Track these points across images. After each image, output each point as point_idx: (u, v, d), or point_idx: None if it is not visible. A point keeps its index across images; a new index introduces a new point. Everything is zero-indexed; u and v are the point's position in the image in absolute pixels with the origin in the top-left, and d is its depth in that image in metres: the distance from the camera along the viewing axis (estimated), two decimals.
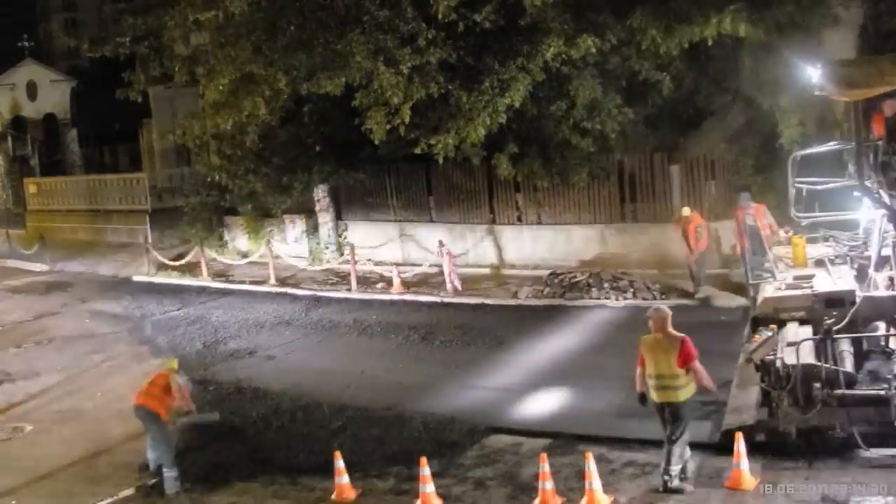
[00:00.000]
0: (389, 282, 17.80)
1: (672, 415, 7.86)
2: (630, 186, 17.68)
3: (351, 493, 8.45)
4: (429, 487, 7.96)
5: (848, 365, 8.40)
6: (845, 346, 8.67)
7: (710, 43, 15.48)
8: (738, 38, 15.89)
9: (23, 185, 37.85)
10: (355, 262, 18.49)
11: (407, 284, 17.64)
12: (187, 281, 21.42)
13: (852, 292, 9.18)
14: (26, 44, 48.48)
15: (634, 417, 9.71)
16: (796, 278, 10.25)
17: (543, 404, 10.55)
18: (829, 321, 8.77)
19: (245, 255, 21.50)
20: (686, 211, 15.24)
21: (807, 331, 8.93)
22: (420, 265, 18.33)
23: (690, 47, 15.80)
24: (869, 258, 10.15)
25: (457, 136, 16.66)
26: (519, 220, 19.11)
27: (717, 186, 16.97)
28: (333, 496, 8.44)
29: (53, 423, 11.70)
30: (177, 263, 22.68)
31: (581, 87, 16.28)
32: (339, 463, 8.48)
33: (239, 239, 24.70)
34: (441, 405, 10.69)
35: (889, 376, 8.14)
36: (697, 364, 7.79)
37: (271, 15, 16.77)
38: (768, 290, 10.11)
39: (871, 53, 20.52)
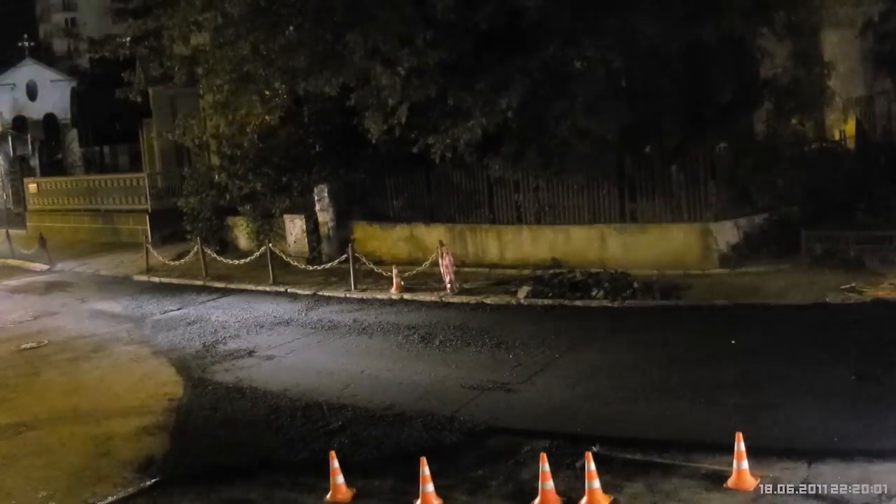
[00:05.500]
0: (389, 282, 17.80)
1: None
2: (630, 186, 17.68)
3: (346, 494, 8.45)
4: (429, 487, 7.95)
5: None
6: None
7: (709, 43, 15.49)
8: (738, 39, 15.91)
9: (23, 185, 37.89)
10: (355, 262, 18.49)
11: (406, 284, 17.64)
12: (187, 281, 21.43)
13: None
14: (26, 44, 48.62)
15: (635, 417, 9.75)
16: None
17: (544, 404, 10.54)
18: None
19: (245, 255, 21.51)
20: None
21: None
22: (420, 265, 18.33)
23: (690, 47, 15.81)
24: None
25: (454, 136, 16.68)
26: (519, 219, 19.10)
27: (717, 186, 16.96)
28: (328, 496, 8.44)
29: (52, 423, 11.68)
30: (176, 263, 22.70)
31: (580, 88, 16.27)
32: (335, 463, 8.48)
33: (239, 239, 24.71)
34: (441, 405, 10.68)
35: None
36: None
37: (270, 15, 16.79)
38: None
39: (870, 54, 20.64)
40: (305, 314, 16.87)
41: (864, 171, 17.86)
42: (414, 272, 18.10)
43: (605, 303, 15.06)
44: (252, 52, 17.05)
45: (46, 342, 16.50)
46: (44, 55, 55.49)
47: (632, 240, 17.27)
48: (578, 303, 15.29)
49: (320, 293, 18.51)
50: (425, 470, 7.95)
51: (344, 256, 18.93)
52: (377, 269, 18.54)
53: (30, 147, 44.21)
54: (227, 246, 24.59)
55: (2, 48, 48.77)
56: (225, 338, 15.49)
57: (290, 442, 10.08)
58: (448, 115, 16.86)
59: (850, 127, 20.54)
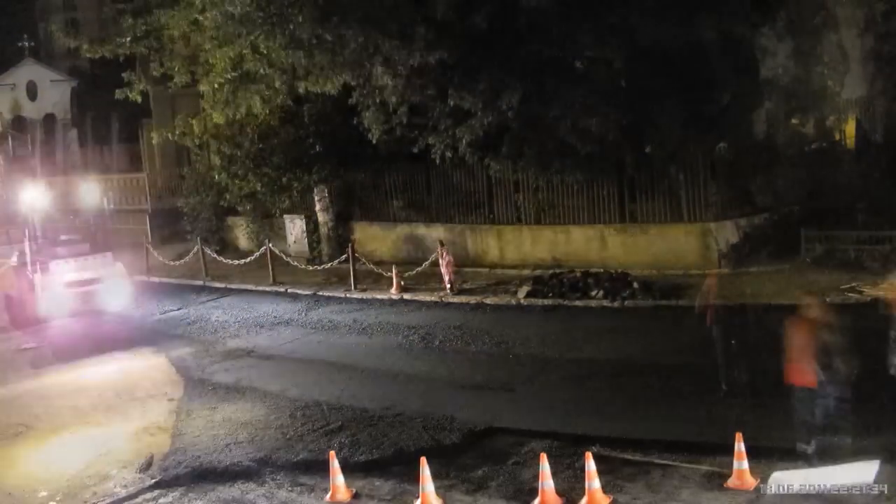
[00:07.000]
0: (389, 282, 17.79)
1: None
2: (630, 186, 17.68)
3: (346, 494, 8.46)
4: (429, 487, 7.96)
5: None
6: None
7: (709, 43, 15.49)
8: (738, 38, 15.91)
9: None
10: (355, 262, 18.48)
11: (406, 284, 17.63)
12: (187, 281, 21.42)
13: None
14: (26, 44, 48.51)
15: (635, 417, 9.75)
16: None
17: (544, 404, 10.54)
18: None
19: (245, 255, 21.50)
20: None
21: None
22: (420, 265, 18.32)
23: (690, 47, 15.80)
24: None
25: (454, 136, 16.68)
26: (519, 220, 19.10)
27: (717, 186, 16.95)
28: (328, 496, 8.44)
29: (52, 423, 11.68)
30: (177, 263, 22.68)
31: (580, 88, 16.26)
32: (335, 463, 8.49)
33: (239, 239, 24.70)
34: (441, 405, 10.68)
35: None
36: None
37: (270, 15, 16.79)
38: None
39: (870, 54, 20.62)
40: (305, 314, 16.87)
41: (864, 171, 17.86)
42: (414, 272, 18.10)
43: (605, 303, 15.06)
44: (252, 51, 17.05)
45: (46, 343, 16.48)
46: (44, 55, 55.40)
47: (632, 240, 17.28)
48: (578, 303, 15.29)
49: (320, 293, 18.50)
50: (425, 470, 7.96)
51: (344, 256, 18.94)
52: (377, 269, 18.54)
53: (30, 147, 44.17)
54: (227, 246, 24.58)
55: (2, 48, 48.71)
56: (225, 338, 15.49)
57: (290, 442, 10.08)
58: (448, 115, 16.86)
59: (850, 127, 20.54)
